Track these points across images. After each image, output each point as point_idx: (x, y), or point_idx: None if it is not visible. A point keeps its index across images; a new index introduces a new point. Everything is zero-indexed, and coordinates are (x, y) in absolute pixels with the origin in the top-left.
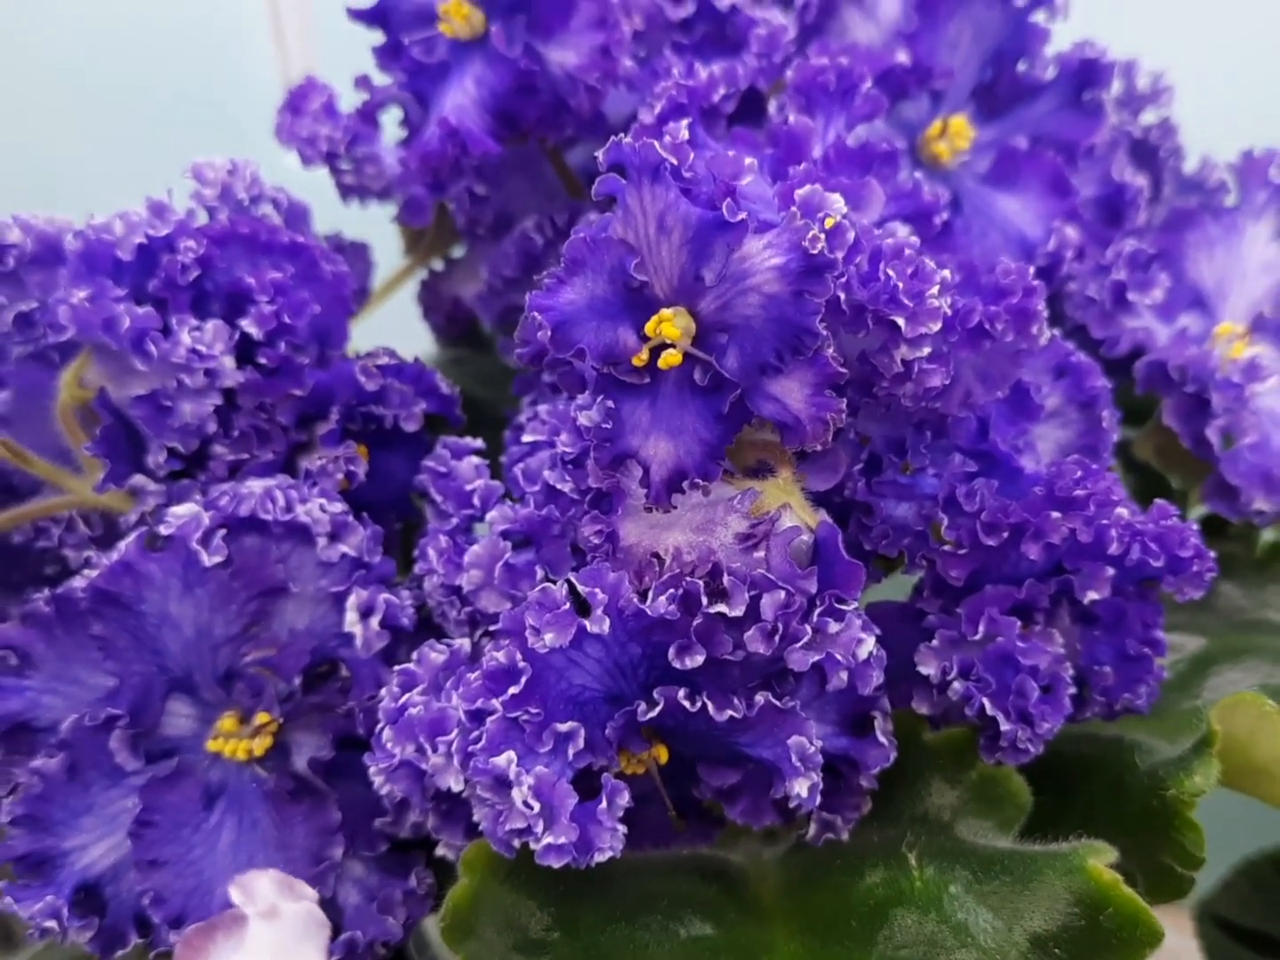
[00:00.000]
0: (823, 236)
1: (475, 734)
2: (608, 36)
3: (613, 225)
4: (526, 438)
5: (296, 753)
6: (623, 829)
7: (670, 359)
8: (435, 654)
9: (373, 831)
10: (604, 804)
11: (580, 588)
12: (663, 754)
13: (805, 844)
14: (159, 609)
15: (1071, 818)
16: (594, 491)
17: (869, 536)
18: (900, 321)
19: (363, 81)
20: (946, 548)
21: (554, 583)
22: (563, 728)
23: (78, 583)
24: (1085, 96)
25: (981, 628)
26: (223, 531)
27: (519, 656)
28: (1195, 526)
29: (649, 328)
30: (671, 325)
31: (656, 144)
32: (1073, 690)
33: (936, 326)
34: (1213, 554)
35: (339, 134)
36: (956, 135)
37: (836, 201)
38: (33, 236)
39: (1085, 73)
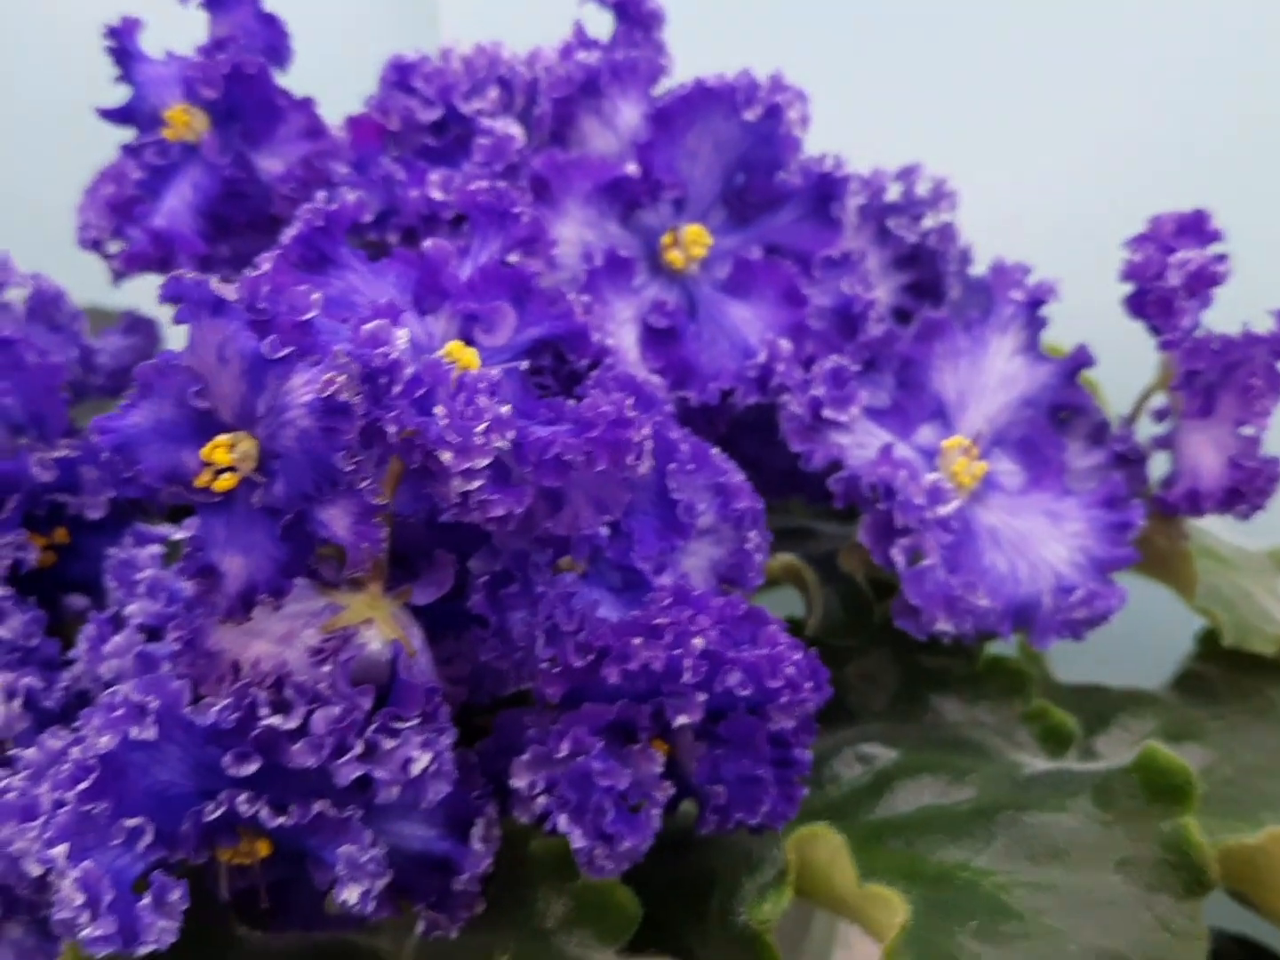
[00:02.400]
0: (341, 379)
1: (50, 823)
2: (314, 146)
3: (184, 353)
4: (178, 535)
5: None
6: (172, 923)
7: (224, 483)
8: (53, 741)
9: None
10: (148, 899)
11: (132, 696)
12: (263, 848)
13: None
14: None
15: (694, 930)
16: (194, 598)
17: (483, 648)
18: (446, 457)
19: (120, 174)
20: (543, 665)
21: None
22: (130, 823)
23: None
24: (825, 207)
25: (566, 745)
26: None
27: (91, 754)
28: (799, 655)
29: (205, 453)
30: (224, 452)
31: (212, 282)
32: (657, 811)
33: (484, 463)
34: (826, 676)
35: (104, 224)
36: (691, 243)
37: (398, 337)
38: None
39: (824, 185)
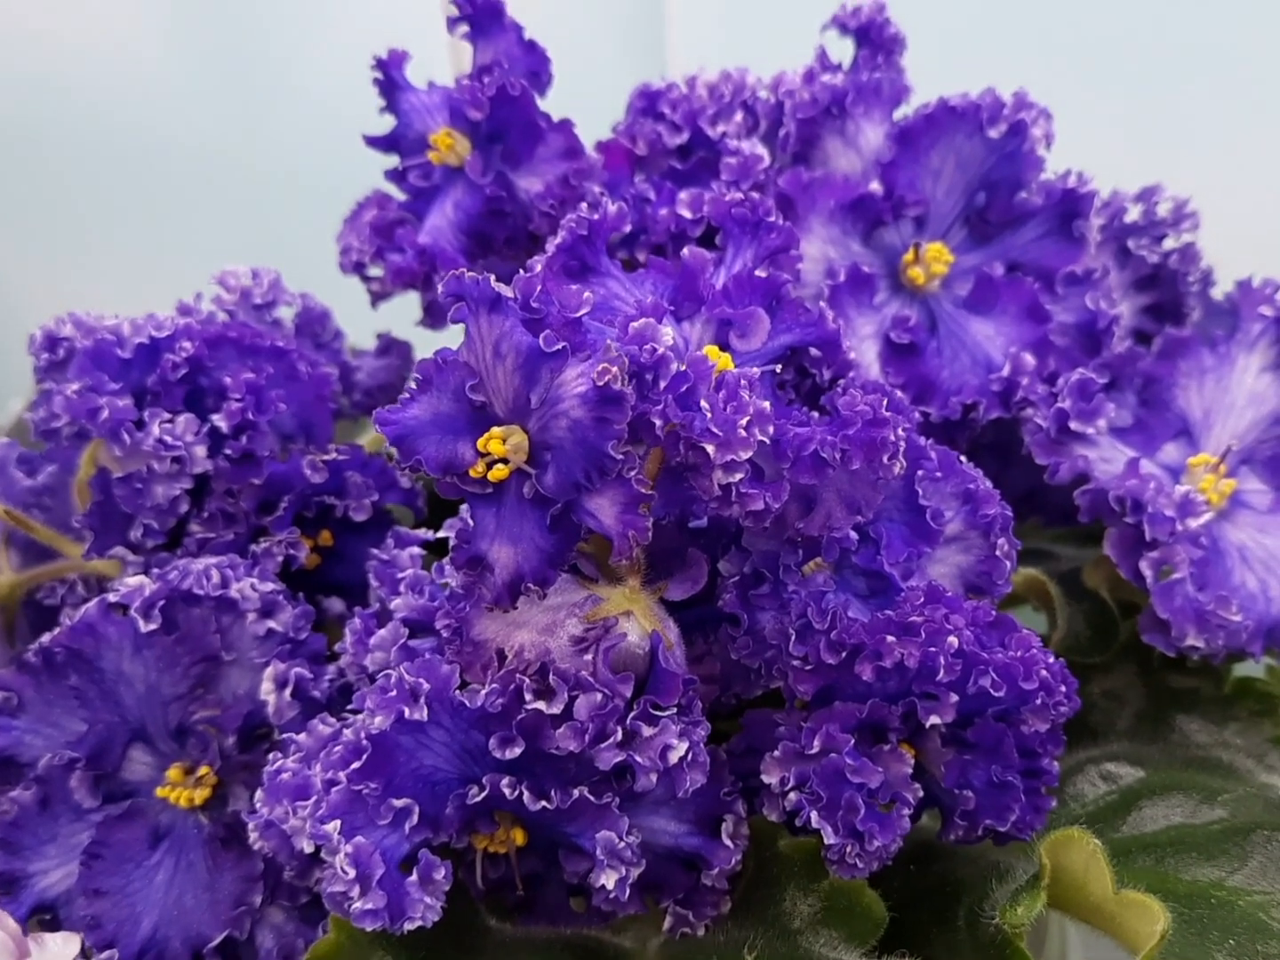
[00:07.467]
0: (615, 369)
1: (322, 802)
2: (572, 165)
3: (460, 349)
4: (443, 533)
5: (232, 804)
6: (436, 901)
7: (497, 473)
8: (323, 727)
9: (294, 883)
10: (414, 876)
11: (406, 678)
12: (519, 836)
13: (685, 936)
14: (115, 666)
15: (940, 937)
16: (461, 588)
17: (734, 646)
18: (710, 449)
19: (382, 199)
20: (795, 663)
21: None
22: (398, 803)
23: (47, 638)
24: (1068, 224)
25: (818, 742)
26: (162, 602)
27: (363, 735)
28: (1052, 659)
29: (480, 444)
30: (499, 443)
31: (491, 279)
32: (908, 811)
33: (746, 455)
34: (1075, 685)
35: (366, 247)
36: (933, 260)
37: (664, 335)
38: (83, 332)
39: (1068, 201)
